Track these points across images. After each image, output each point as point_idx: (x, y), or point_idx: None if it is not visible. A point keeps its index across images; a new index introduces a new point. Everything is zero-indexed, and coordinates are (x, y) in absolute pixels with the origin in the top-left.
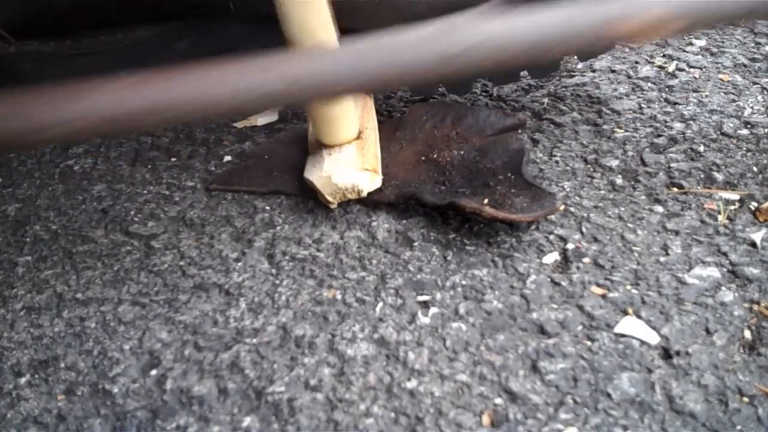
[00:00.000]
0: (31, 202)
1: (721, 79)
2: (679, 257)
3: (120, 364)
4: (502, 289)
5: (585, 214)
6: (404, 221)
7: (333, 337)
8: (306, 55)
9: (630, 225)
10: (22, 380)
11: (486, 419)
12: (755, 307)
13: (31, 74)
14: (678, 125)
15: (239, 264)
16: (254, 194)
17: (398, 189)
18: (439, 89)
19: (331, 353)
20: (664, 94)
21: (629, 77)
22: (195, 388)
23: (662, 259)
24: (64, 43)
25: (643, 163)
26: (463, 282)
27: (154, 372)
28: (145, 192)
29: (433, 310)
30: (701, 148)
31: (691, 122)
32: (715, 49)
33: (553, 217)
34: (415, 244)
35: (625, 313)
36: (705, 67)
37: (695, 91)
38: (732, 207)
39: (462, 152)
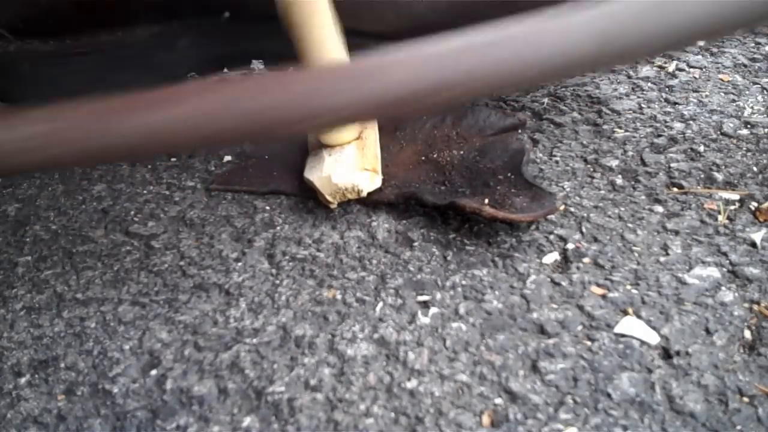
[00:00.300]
0: (31, 202)
1: (721, 79)
2: (679, 257)
3: (120, 364)
4: (502, 289)
5: (585, 214)
6: (404, 221)
7: (333, 337)
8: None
9: (630, 225)
10: (22, 380)
11: (486, 419)
12: (755, 307)
13: (31, 73)
14: (678, 125)
15: (239, 264)
16: (254, 194)
17: (398, 189)
18: None
19: (331, 353)
20: (664, 94)
21: (629, 77)
22: (195, 388)
23: (662, 259)
24: (64, 42)
25: (643, 163)
26: (463, 282)
27: (154, 372)
28: (145, 192)
29: (433, 310)
30: (701, 148)
31: (691, 122)
32: (715, 49)
33: (553, 217)
34: (415, 244)
35: (625, 313)
36: (705, 67)
37: (695, 91)
38: (732, 207)
39: (462, 152)
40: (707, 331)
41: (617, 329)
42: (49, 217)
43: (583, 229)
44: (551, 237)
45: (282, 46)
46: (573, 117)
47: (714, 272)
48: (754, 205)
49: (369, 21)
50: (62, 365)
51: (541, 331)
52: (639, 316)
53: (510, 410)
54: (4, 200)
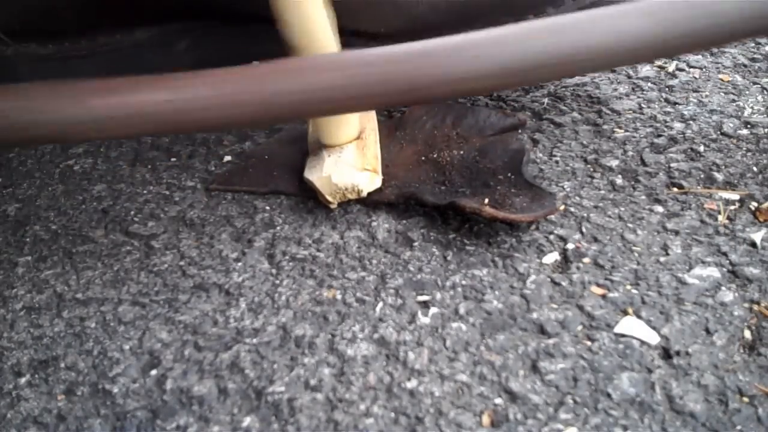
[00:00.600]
0: (31, 202)
1: (721, 79)
2: (679, 257)
3: (120, 364)
4: (502, 289)
5: (585, 214)
6: (404, 221)
7: (333, 337)
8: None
9: (630, 225)
10: (22, 380)
11: (486, 419)
12: (755, 307)
13: (30, 76)
14: (678, 125)
15: (239, 264)
16: (254, 194)
17: (398, 189)
18: None
19: (331, 353)
20: (664, 94)
21: (629, 77)
22: (195, 388)
23: (662, 259)
24: (63, 45)
25: (643, 163)
26: (463, 282)
27: (154, 372)
28: (145, 192)
29: (433, 310)
30: (701, 148)
31: (691, 122)
32: (715, 49)
33: (553, 217)
34: (415, 244)
35: (625, 313)
36: (705, 67)
37: (695, 91)
38: (732, 207)
39: (462, 152)
40: (707, 331)
41: (617, 329)
42: (49, 217)
43: (583, 229)
44: (551, 237)
45: (282, 46)
46: (573, 117)
47: (714, 272)
48: (754, 205)
49: (368, 21)
50: (62, 365)
51: (541, 331)
52: (639, 316)
53: (510, 410)
54: (4, 200)
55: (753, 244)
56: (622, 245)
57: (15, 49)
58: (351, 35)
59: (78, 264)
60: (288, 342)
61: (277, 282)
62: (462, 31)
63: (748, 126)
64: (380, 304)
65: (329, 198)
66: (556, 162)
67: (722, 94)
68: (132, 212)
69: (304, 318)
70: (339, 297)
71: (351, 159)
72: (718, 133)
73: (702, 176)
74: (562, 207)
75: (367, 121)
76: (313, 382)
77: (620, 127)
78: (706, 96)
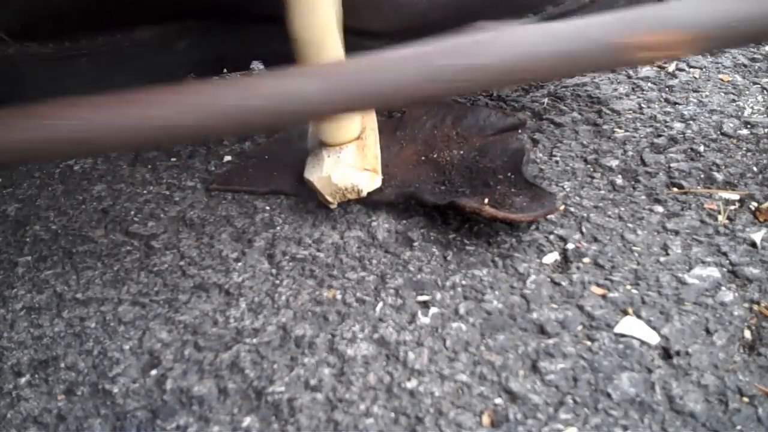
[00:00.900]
0: (31, 202)
1: (721, 79)
2: (679, 257)
3: (120, 364)
4: (502, 289)
5: (585, 214)
6: (404, 221)
7: (333, 337)
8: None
9: (630, 225)
10: (22, 380)
11: (486, 419)
12: (755, 307)
13: (30, 76)
14: (678, 125)
15: (239, 264)
16: (254, 194)
17: (398, 189)
18: None
19: (331, 353)
20: (664, 94)
21: (629, 77)
22: (195, 388)
23: (662, 259)
24: (63, 45)
25: (643, 163)
26: (463, 282)
27: (154, 372)
28: (145, 192)
29: (433, 310)
30: (701, 148)
31: (691, 122)
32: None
33: (553, 217)
34: (415, 244)
35: (625, 313)
36: (705, 67)
37: (695, 91)
38: (732, 207)
39: (462, 152)
40: (707, 331)
41: (617, 329)
42: (49, 217)
43: (583, 229)
44: (551, 237)
45: (281, 47)
46: (573, 117)
47: (714, 272)
48: (754, 205)
49: (369, 20)
50: (62, 365)
51: (541, 331)
52: (639, 316)
53: (510, 410)
54: (4, 200)
55: (753, 244)
56: (622, 245)
57: (16, 48)
58: (350, 34)
59: (78, 264)
60: (288, 342)
61: (277, 282)
62: (462, 29)
63: (748, 126)
64: (380, 304)
65: (329, 198)
66: (556, 162)
67: (722, 94)
68: (132, 212)
69: (304, 318)
70: (339, 297)
71: (351, 159)
72: (718, 133)
73: (702, 176)
74: (562, 207)
75: (367, 121)
76: (313, 382)
77: (620, 127)
78: (706, 96)
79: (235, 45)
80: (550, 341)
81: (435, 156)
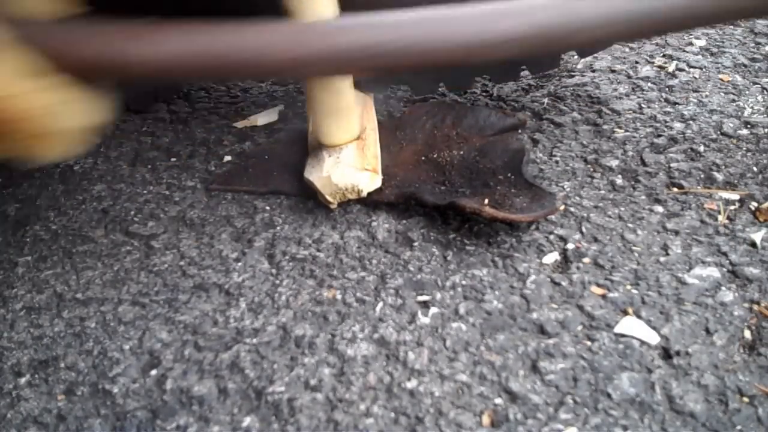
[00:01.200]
0: (31, 202)
1: (721, 79)
2: (679, 257)
3: (120, 364)
4: (502, 289)
5: (585, 214)
6: (404, 221)
7: (333, 337)
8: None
9: (630, 225)
10: (22, 380)
11: (486, 419)
12: (755, 307)
13: None
14: (678, 125)
15: (239, 264)
16: (254, 194)
17: (398, 189)
18: (439, 89)
19: (331, 353)
20: (664, 94)
21: (629, 77)
22: (195, 388)
23: (662, 259)
24: None
25: (643, 163)
26: (463, 282)
27: (154, 372)
28: (145, 192)
29: (433, 310)
30: (701, 148)
31: (691, 122)
32: (715, 49)
33: (553, 217)
34: (415, 244)
35: (625, 313)
36: (705, 67)
37: (695, 91)
38: (732, 207)
39: (462, 152)
40: (707, 331)
41: (617, 329)
42: (49, 217)
43: (583, 229)
44: (551, 237)
45: None
46: (573, 117)
47: (714, 272)
48: (754, 205)
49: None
50: (62, 365)
51: (541, 331)
52: (639, 316)
53: (510, 410)
54: (4, 200)
55: (753, 244)
56: (622, 245)
57: None
58: None
59: (78, 264)
60: (288, 342)
61: (277, 282)
62: None
63: (748, 126)
64: (380, 304)
65: (329, 198)
66: (556, 162)
67: (722, 94)
68: (132, 212)
69: (304, 318)
70: (339, 297)
71: (351, 159)
72: (718, 133)
73: (702, 176)
74: (562, 207)
75: (367, 121)
76: (313, 382)
77: (620, 127)
78: (706, 96)
79: None
80: (550, 341)
81: (435, 156)
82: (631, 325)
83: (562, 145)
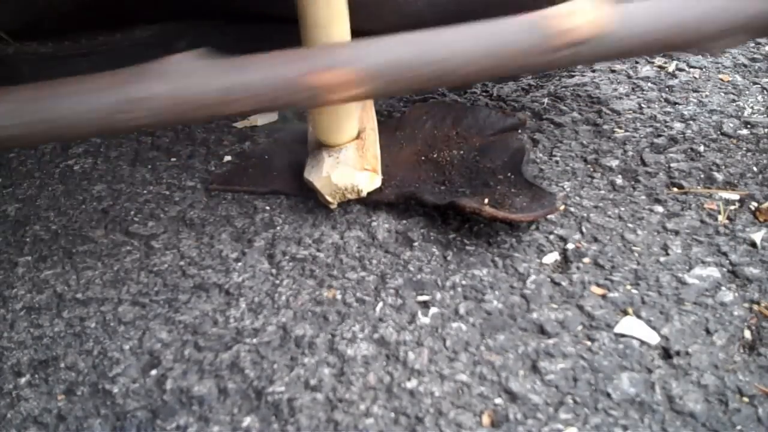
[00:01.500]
0: (31, 202)
1: (721, 79)
2: (679, 257)
3: (120, 364)
4: (502, 289)
5: (585, 214)
6: (404, 221)
7: (333, 337)
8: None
9: (630, 225)
10: (22, 380)
11: (486, 419)
12: (755, 307)
13: (30, 75)
14: (678, 125)
15: (239, 264)
16: (254, 194)
17: (398, 189)
18: (439, 89)
19: (331, 353)
20: (664, 94)
21: (629, 77)
22: (195, 388)
23: (662, 259)
24: (63, 44)
25: (643, 163)
26: (463, 282)
27: (154, 372)
28: (145, 192)
29: (433, 310)
30: (701, 148)
31: (691, 122)
32: None
33: (553, 217)
34: (415, 244)
35: (625, 313)
36: (705, 67)
37: (695, 91)
38: (732, 207)
39: (462, 152)
40: (707, 331)
41: (617, 329)
42: (49, 217)
43: (583, 229)
44: (551, 237)
45: (281, 46)
46: (573, 117)
47: (714, 272)
48: (754, 205)
49: (368, 20)
50: (62, 365)
51: (541, 331)
52: (639, 316)
53: (510, 410)
54: (4, 200)
55: (753, 244)
56: (622, 245)
57: (16, 48)
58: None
59: (78, 264)
60: (288, 342)
61: (277, 282)
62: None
63: (748, 126)
64: (380, 304)
65: (329, 198)
66: (556, 162)
67: (722, 94)
68: (132, 212)
69: (304, 318)
70: (339, 297)
71: (351, 159)
72: (718, 133)
73: (702, 176)
74: (562, 207)
75: (367, 121)
76: (313, 382)
77: (620, 127)
78: (706, 96)
79: (234, 43)
80: (550, 341)
81: (435, 156)
82: (631, 325)
83: (562, 145)
